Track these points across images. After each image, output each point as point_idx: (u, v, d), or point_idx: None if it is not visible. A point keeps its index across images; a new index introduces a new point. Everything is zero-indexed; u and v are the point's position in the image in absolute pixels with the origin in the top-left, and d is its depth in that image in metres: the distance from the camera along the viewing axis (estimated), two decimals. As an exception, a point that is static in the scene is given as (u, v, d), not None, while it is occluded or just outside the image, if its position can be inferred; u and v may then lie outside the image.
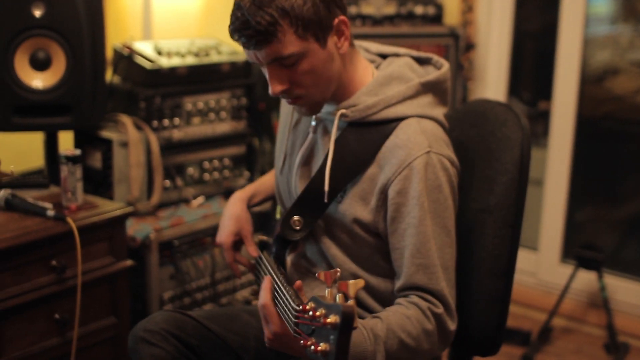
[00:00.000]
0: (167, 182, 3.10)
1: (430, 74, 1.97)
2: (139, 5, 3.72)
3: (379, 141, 1.88)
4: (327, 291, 1.40)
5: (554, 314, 3.80)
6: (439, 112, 1.95)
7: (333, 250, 1.96)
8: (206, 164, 3.22)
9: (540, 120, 4.23)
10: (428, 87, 1.93)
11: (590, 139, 4.14)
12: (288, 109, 2.11)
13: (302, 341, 1.42)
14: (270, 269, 1.98)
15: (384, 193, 1.86)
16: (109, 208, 2.53)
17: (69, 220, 2.37)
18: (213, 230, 3.06)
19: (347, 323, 1.32)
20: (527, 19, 4.29)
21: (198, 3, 4.01)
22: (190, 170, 3.17)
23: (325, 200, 1.90)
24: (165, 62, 3.05)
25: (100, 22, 2.79)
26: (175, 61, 3.09)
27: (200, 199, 3.19)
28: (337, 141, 1.92)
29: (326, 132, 1.98)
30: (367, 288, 1.96)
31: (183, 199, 3.17)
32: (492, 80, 4.14)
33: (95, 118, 2.88)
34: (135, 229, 2.89)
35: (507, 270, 1.96)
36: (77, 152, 2.49)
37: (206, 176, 3.22)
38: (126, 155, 2.93)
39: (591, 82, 4.11)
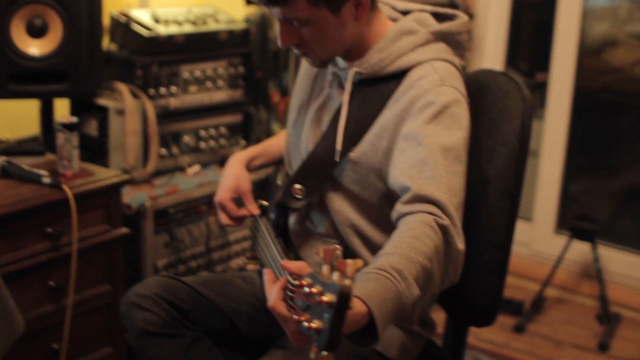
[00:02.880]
0: (163, 150, 3.09)
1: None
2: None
3: (392, 90, 1.87)
4: (324, 267, 1.37)
5: (547, 284, 3.81)
6: (455, 60, 1.93)
7: (337, 204, 1.93)
8: (202, 132, 3.20)
9: (538, 92, 4.22)
10: (439, 36, 1.92)
11: (588, 111, 4.14)
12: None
13: (296, 316, 1.41)
14: (268, 237, 1.97)
15: (396, 134, 1.83)
16: (105, 176, 2.53)
17: (65, 187, 2.37)
18: (208, 199, 3.05)
19: (343, 303, 1.29)
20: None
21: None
22: (186, 139, 3.16)
23: (337, 159, 1.89)
24: (162, 30, 3.03)
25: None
26: (173, 29, 3.06)
27: (196, 167, 3.18)
28: (351, 99, 1.91)
29: (340, 87, 1.97)
30: (370, 244, 1.94)
31: (179, 167, 3.16)
32: (490, 51, 4.13)
33: (92, 86, 2.86)
34: (131, 196, 2.88)
35: (505, 242, 1.96)
36: (74, 119, 2.48)
37: (202, 144, 3.20)
38: (122, 123, 2.92)
39: (589, 53, 4.10)
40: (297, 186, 1.94)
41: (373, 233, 1.93)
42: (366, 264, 1.89)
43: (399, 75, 1.88)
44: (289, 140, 2.12)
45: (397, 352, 1.94)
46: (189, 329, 1.97)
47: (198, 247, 3.09)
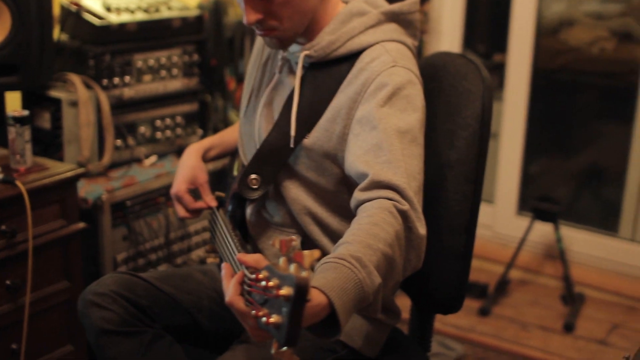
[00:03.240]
0: (119, 142, 3.02)
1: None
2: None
3: (344, 73, 1.83)
4: (281, 260, 1.33)
5: (510, 266, 3.81)
6: (408, 40, 1.90)
7: (293, 192, 1.90)
8: (158, 122, 3.14)
9: (496, 73, 4.22)
10: (390, 16, 1.88)
11: (546, 91, 4.14)
12: (260, 46, 2.06)
13: (253, 311, 1.36)
14: (225, 230, 1.93)
15: (350, 118, 1.80)
16: (60, 170, 2.47)
17: (18, 183, 2.30)
18: (166, 190, 2.99)
19: (300, 296, 1.25)
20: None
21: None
22: (142, 129, 3.10)
23: (292, 145, 1.85)
24: (114, 18, 2.97)
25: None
26: (125, 17, 3.00)
27: (153, 158, 3.12)
28: (302, 82, 1.87)
29: (291, 72, 1.93)
30: (329, 232, 1.90)
31: (135, 158, 3.10)
32: (447, 33, 4.11)
33: (44, 78, 2.79)
34: (87, 190, 2.81)
35: (468, 227, 1.93)
36: (25, 112, 2.42)
37: (158, 134, 3.15)
38: (76, 115, 2.85)
39: (546, 33, 4.09)
40: (253, 176, 1.90)
41: (331, 220, 1.90)
42: (325, 253, 1.86)
43: (351, 58, 1.85)
44: (242, 130, 2.08)
45: (362, 341, 1.91)
46: (148, 326, 1.92)
47: (157, 239, 3.03)
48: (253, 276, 1.38)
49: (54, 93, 2.86)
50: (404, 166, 1.69)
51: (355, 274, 1.46)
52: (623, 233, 4.01)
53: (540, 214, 3.77)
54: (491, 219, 4.18)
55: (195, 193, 2.17)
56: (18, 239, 2.33)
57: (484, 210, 4.11)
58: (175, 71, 3.16)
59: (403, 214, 1.63)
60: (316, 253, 1.31)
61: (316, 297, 1.38)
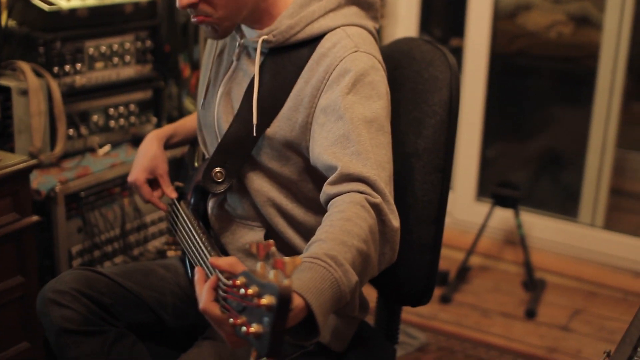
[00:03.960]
0: (72, 131, 2.93)
1: None
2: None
3: (304, 59, 1.77)
4: (259, 265, 1.25)
5: (470, 253, 3.79)
6: (369, 23, 1.84)
7: (257, 183, 1.84)
8: (111, 111, 3.05)
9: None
10: (350, 0, 1.83)
11: (503, 76, 4.12)
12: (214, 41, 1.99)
13: (231, 319, 1.29)
14: (189, 224, 1.87)
15: (312, 107, 1.74)
16: (11, 162, 2.37)
17: (-33, 176, 2.22)
18: (121, 180, 2.91)
19: (283, 305, 1.18)
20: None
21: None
22: (95, 118, 3.01)
23: (254, 134, 1.78)
24: (64, 3, 2.87)
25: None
26: (75, 3, 2.91)
27: (107, 148, 3.03)
28: (261, 69, 1.80)
29: (249, 59, 1.86)
30: (294, 224, 1.85)
31: (89, 148, 3.01)
32: (404, 17, 4.06)
33: (-10, 65, 2.71)
34: (39, 181, 2.72)
35: (437, 217, 1.88)
36: (-27, 102, 2.33)
37: (112, 123, 3.06)
38: (26, 104, 2.75)
39: (504, 17, 4.07)
40: (217, 169, 1.83)
41: (296, 211, 1.84)
42: (291, 245, 1.82)
43: (311, 42, 1.78)
44: (201, 122, 2.01)
45: (330, 336, 1.87)
46: (111, 325, 1.86)
47: (113, 230, 2.95)
48: (230, 282, 1.31)
49: (3, 82, 2.76)
50: (373, 157, 1.64)
51: (332, 274, 1.41)
52: (583, 218, 4.01)
53: (501, 200, 3.75)
54: (450, 205, 4.10)
55: (153, 183, 2.10)
56: (-32, 234, 2.25)
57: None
58: (128, 58, 3.07)
59: (376, 207, 1.58)
60: (298, 260, 1.23)
61: (294, 300, 1.32)
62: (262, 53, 1.81)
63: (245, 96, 1.83)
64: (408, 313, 3.50)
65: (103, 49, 2.98)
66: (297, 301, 1.33)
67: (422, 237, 1.88)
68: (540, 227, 3.94)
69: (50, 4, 2.85)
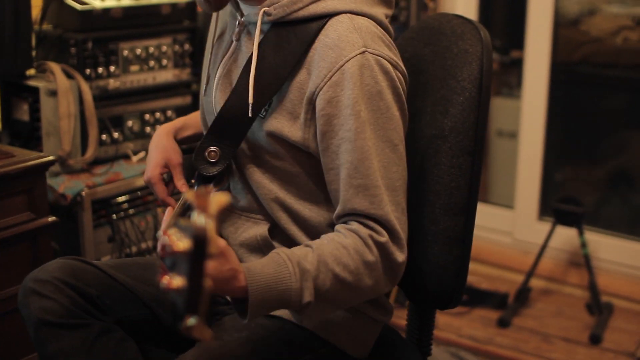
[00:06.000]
0: (104, 136, 2.82)
1: None
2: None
3: (307, 41, 1.59)
4: (194, 214, 1.11)
5: (531, 275, 3.58)
6: (379, 11, 1.65)
7: (257, 176, 1.67)
8: (147, 116, 2.93)
9: (514, 70, 4.02)
10: None
11: (566, 86, 3.93)
12: (214, 21, 1.83)
13: (163, 279, 1.15)
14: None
15: (312, 104, 1.57)
16: (27, 157, 2.26)
17: (-24, 169, 2.10)
18: (156, 188, 2.79)
19: (198, 247, 1.05)
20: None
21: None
22: (130, 123, 2.89)
23: (250, 115, 1.61)
24: (97, 3, 2.77)
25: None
26: (109, 2, 2.80)
27: (142, 154, 2.91)
28: (261, 45, 1.63)
29: (250, 37, 1.69)
30: (298, 220, 1.68)
31: (122, 154, 2.89)
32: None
33: (20, 66, 2.61)
34: (67, 185, 2.61)
35: (467, 206, 1.68)
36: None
37: (148, 129, 2.94)
38: (55, 105, 2.65)
39: (566, 25, 3.88)
40: (212, 148, 1.68)
41: (300, 206, 1.68)
42: (296, 242, 1.67)
43: (313, 19, 1.61)
44: (203, 110, 1.85)
45: (345, 338, 1.69)
46: (97, 319, 1.69)
47: (145, 242, 2.82)
48: (165, 238, 1.15)
49: (32, 82, 2.66)
50: (383, 184, 1.56)
51: (290, 283, 1.47)
52: (653, 239, 3.77)
53: (563, 217, 3.52)
54: (511, 225, 3.95)
55: (170, 177, 1.95)
56: (-23, 232, 2.13)
57: (503, 215, 3.92)
58: (165, 61, 2.96)
59: (380, 246, 1.55)
60: (224, 198, 1.11)
61: (233, 264, 1.39)
62: (262, 29, 1.66)
63: (244, 72, 1.67)
64: (462, 337, 3.32)
65: (138, 51, 2.87)
66: (238, 273, 1.40)
67: (450, 229, 1.69)
68: (607, 247, 3.71)
69: (83, 3, 2.76)
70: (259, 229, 1.70)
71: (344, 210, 1.57)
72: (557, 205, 3.56)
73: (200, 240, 1.04)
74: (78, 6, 2.74)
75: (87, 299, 1.69)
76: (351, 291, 1.54)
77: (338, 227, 1.58)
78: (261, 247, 1.69)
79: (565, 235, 3.69)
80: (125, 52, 2.83)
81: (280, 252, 1.49)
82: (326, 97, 1.55)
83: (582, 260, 3.58)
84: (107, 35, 2.79)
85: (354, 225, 1.55)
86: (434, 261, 1.70)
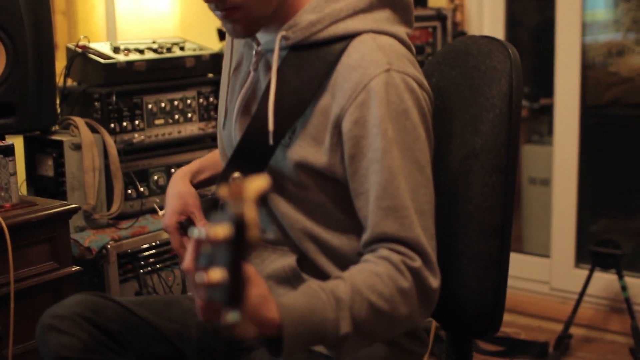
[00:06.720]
0: (130, 191, 2.78)
1: None
2: (102, 8, 3.46)
3: (329, 64, 1.54)
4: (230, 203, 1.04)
5: (571, 323, 3.47)
6: (401, 30, 1.60)
7: (282, 206, 1.61)
8: (173, 170, 2.89)
9: (544, 118, 3.95)
10: (384, 1, 1.60)
11: (598, 128, 3.87)
12: (228, 53, 1.78)
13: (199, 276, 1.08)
14: None
15: (337, 127, 1.51)
16: (50, 205, 2.22)
17: (-1, 217, 2.06)
18: (183, 242, 2.74)
19: (239, 231, 0.97)
20: (522, 12, 4.06)
21: (168, 8, 3.75)
22: (155, 177, 2.86)
23: (271, 142, 1.55)
24: (121, 57, 2.77)
25: (45, 14, 2.51)
26: (133, 56, 2.79)
27: (168, 209, 2.87)
28: (280, 70, 1.58)
29: (268, 66, 1.64)
30: (327, 250, 1.61)
31: (148, 209, 2.84)
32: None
33: (44, 121, 2.59)
34: (92, 239, 2.57)
35: (502, 226, 1.62)
36: (9, 142, 2.19)
37: (174, 183, 2.90)
38: (79, 160, 2.62)
39: (594, 67, 3.83)
40: (235, 174, 1.61)
41: (328, 236, 1.61)
42: (324, 273, 1.61)
43: (334, 41, 1.56)
44: (223, 146, 1.80)
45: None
46: (117, 354, 1.64)
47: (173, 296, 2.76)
48: (202, 233, 1.10)
49: (56, 137, 2.64)
50: (412, 205, 1.49)
51: (326, 312, 1.37)
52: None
53: (601, 260, 3.42)
54: (547, 273, 3.85)
55: (190, 222, 1.88)
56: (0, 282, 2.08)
57: (540, 264, 3.83)
58: (190, 114, 2.93)
59: (414, 272, 1.47)
60: (262, 182, 1.03)
61: (262, 290, 1.29)
62: (281, 53, 1.61)
63: (263, 98, 1.61)
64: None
65: (163, 104, 2.85)
66: (261, 291, 1.28)
67: (485, 251, 1.62)
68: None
69: (107, 57, 2.75)
70: (286, 260, 1.64)
71: (372, 236, 1.50)
72: (594, 248, 3.46)
73: (239, 224, 0.98)
74: (102, 60, 2.73)
75: (108, 335, 1.64)
76: (387, 321, 1.45)
77: (367, 256, 1.50)
78: (289, 279, 1.62)
79: (604, 281, 3.60)
80: (150, 106, 2.81)
81: (310, 283, 1.41)
82: (352, 118, 1.50)
83: (622, 306, 3.47)
84: (131, 89, 2.78)
85: (384, 252, 1.47)
86: (470, 285, 1.64)
